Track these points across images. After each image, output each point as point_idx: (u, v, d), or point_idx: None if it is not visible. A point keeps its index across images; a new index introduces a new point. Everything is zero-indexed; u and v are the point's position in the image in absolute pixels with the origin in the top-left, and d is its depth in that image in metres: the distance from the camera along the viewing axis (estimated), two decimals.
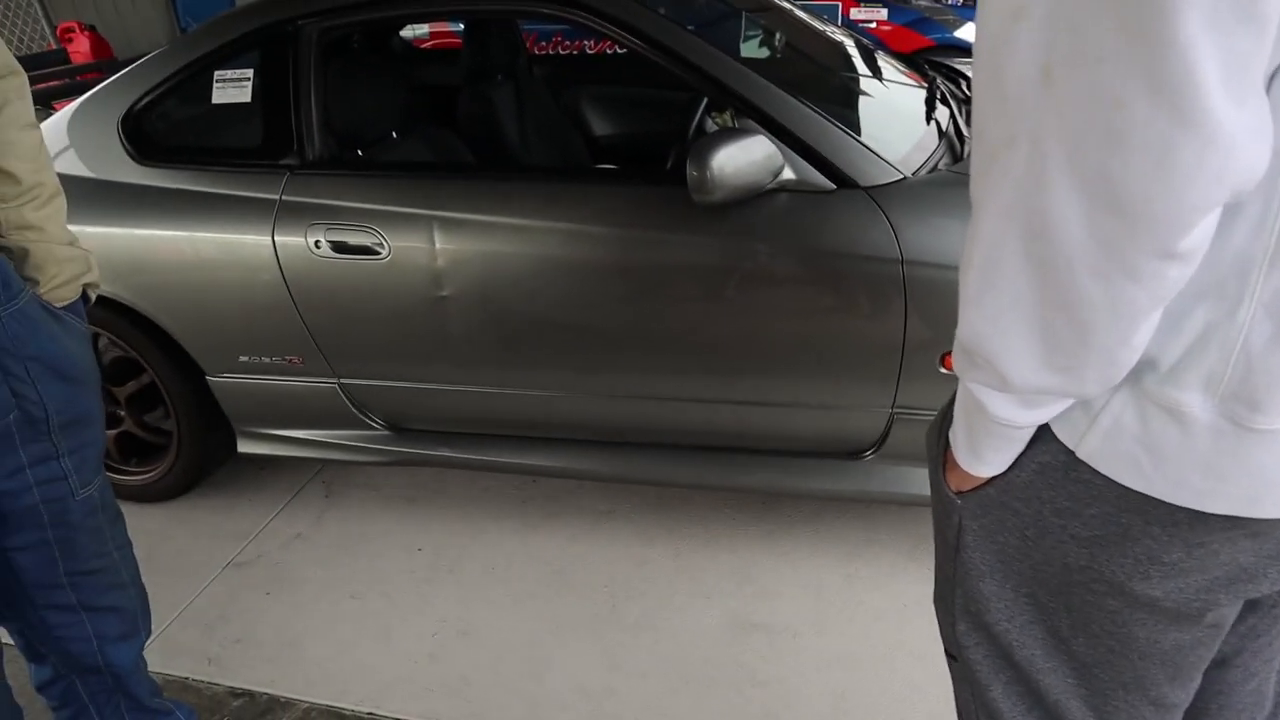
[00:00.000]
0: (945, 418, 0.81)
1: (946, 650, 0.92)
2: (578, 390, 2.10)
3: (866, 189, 1.81)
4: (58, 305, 1.23)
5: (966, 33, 4.98)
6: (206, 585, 2.26)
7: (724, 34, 2.88)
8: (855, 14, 5.11)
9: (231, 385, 2.30)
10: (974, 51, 0.58)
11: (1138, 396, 0.64)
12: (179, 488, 2.56)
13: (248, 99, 2.18)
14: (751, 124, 1.85)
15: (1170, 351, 0.62)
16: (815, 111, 1.87)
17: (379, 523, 2.46)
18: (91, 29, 6.74)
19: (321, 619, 2.14)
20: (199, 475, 2.56)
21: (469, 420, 2.25)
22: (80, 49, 6.52)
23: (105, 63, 6.37)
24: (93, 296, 1.33)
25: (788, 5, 2.90)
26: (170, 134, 2.32)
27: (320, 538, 2.42)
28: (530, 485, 2.57)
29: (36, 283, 1.21)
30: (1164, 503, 0.65)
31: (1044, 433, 0.71)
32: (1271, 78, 0.53)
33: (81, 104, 2.35)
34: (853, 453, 2.05)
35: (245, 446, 2.41)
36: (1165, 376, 0.63)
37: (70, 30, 6.62)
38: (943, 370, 1.85)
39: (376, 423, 2.30)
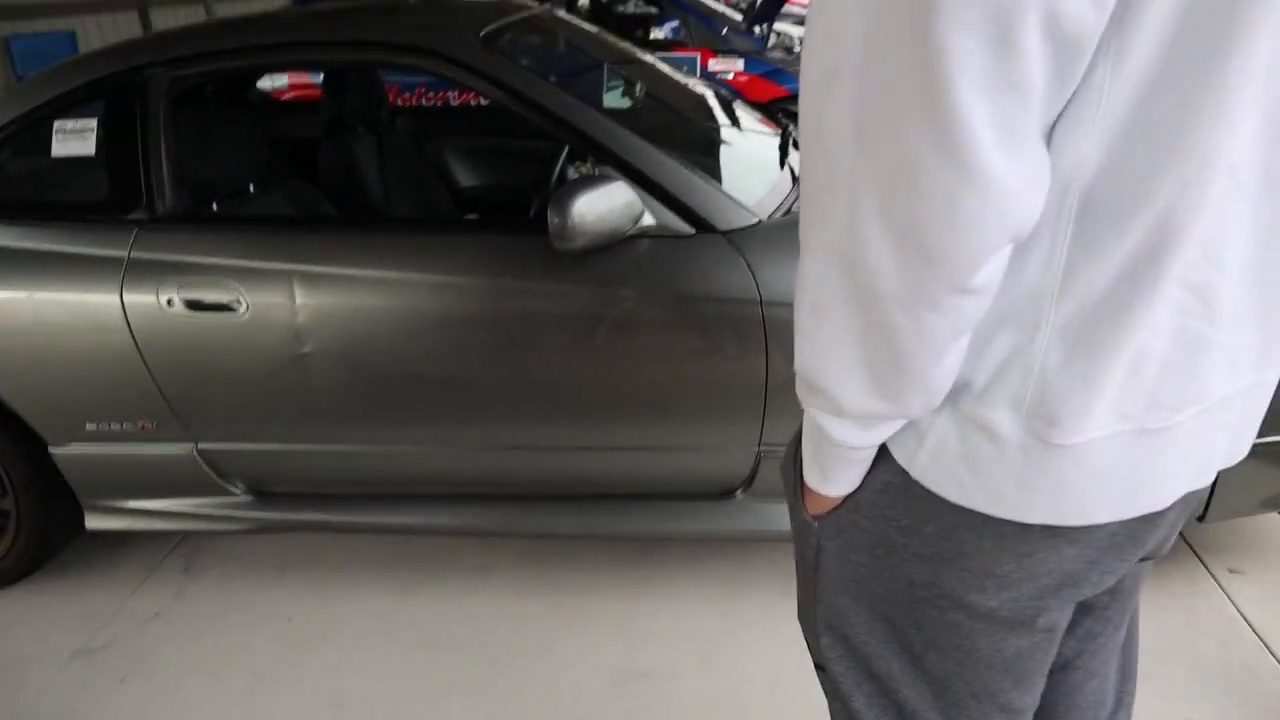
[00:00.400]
0: (796, 445, 0.85)
1: (815, 662, 0.95)
2: (448, 444, 2.07)
3: (724, 233, 1.87)
4: None
5: None
6: (52, 677, 2.09)
7: (587, 85, 2.95)
8: (714, 65, 5.30)
9: (77, 456, 2.16)
10: (799, 104, 0.64)
11: (957, 417, 0.70)
12: (19, 572, 2.36)
13: (91, 151, 2.09)
14: (611, 171, 1.89)
15: (980, 374, 0.68)
16: (673, 158, 1.93)
17: (245, 594, 2.34)
18: None
19: (183, 702, 2.00)
20: (42, 557, 2.38)
21: (336, 481, 2.18)
22: None
23: None
24: None
25: (649, 58, 2.99)
26: (5, 187, 2.19)
27: (180, 615, 2.28)
28: (404, 544, 2.49)
29: None
30: (990, 517, 0.70)
31: (884, 453, 0.76)
32: (1049, 131, 0.59)
33: None
34: (724, 492, 2.09)
35: (94, 522, 2.26)
36: (978, 397, 0.68)
37: None
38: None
39: (238, 488, 2.20)
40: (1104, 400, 0.65)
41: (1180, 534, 2.17)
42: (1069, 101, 0.58)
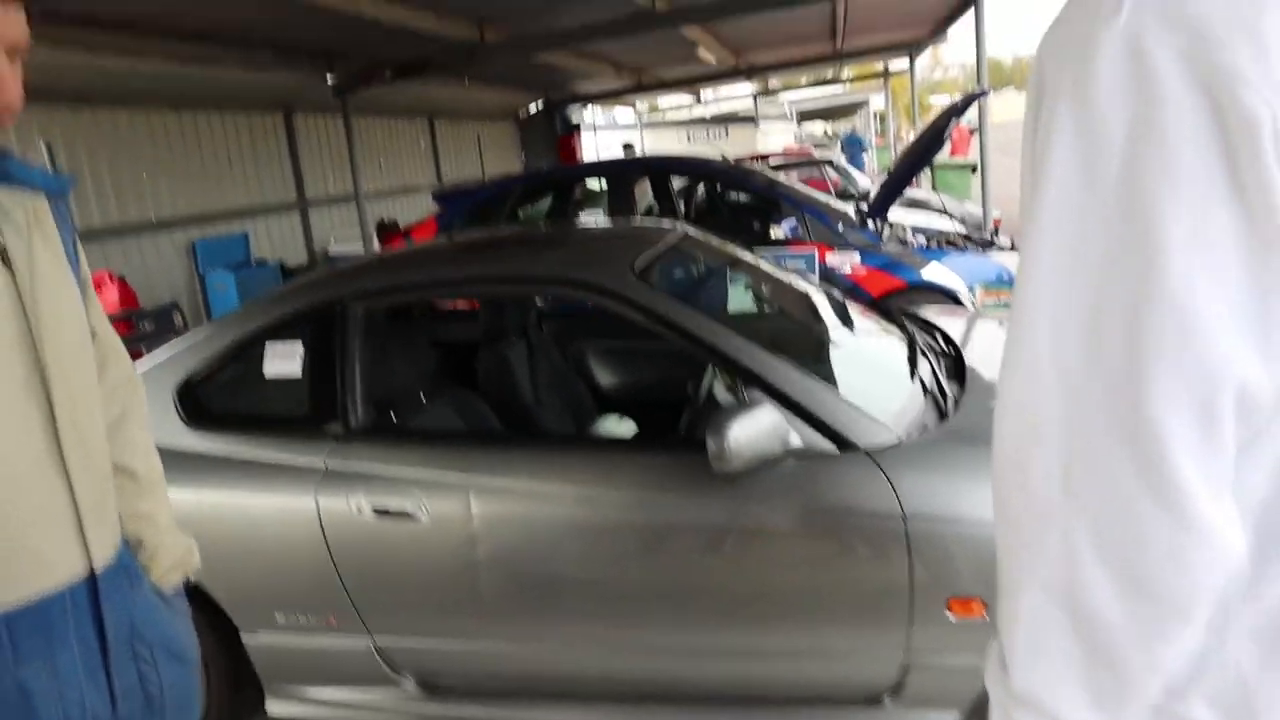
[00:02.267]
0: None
1: None
2: (604, 645, 2.18)
3: (867, 452, 2.00)
4: (168, 590, 1.35)
5: (931, 273, 5.40)
6: None
7: (713, 291, 3.18)
8: (831, 259, 5.55)
9: (266, 645, 2.36)
10: (994, 454, 0.71)
11: (1155, 711, 0.72)
12: None
13: (298, 371, 2.39)
14: (758, 395, 2.06)
15: (1178, 675, 0.71)
16: (814, 379, 2.10)
17: None
18: (121, 279, 7.14)
19: None
20: None
21: (499, 676, 2.31)
22: (109, 299, 6.88)
23: (133, 312, 6.71)
24: (192, 580, 1.45)
25: (768, 266, 3.22)
26: (223, 402, 2.51)
27: None
28: None
29: (148, 570, 1.34)
30: None
31: None
32: None
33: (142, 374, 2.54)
34: (870, 699, 2.11)
35: (274, 707, 2.43)
36: (1174, 693, 0.71)
37: (98, 281, 6.98)
38: (950, 617, 1.96)
39: (408, 681, 2.35)
40: None
41: None
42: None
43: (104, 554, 1.20)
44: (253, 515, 2.28)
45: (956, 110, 5.76)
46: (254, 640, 2.37)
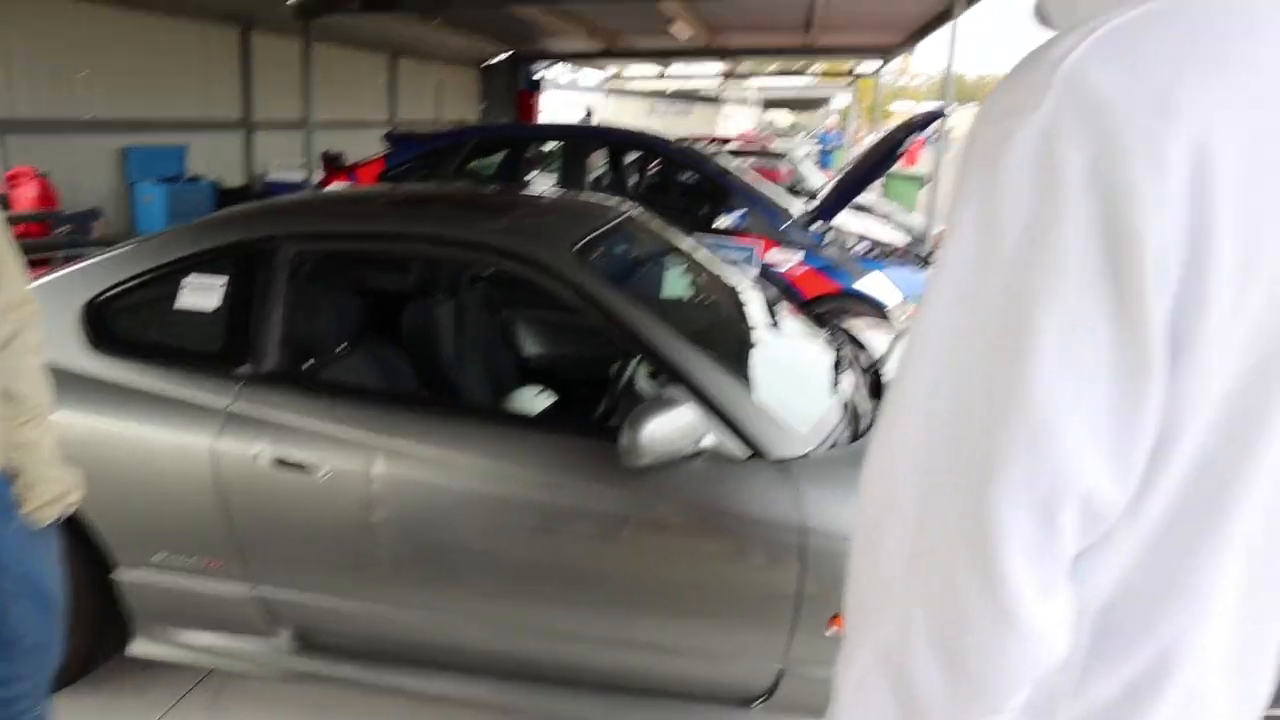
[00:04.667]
0: None
1: None
2: (488, 620, 2.17)
3: (778, 460, 2.01)
4: (40, 524, 1.29)
5: (868, 283, 5.46)
6: None
7: (650, 278, 3.16)
8: (773, 255, 5.58)
9: (140, 583, 2.29)
10: (857, 513, 0.73)
11: None
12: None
13: (213, 307, 2.30)
14: (679, 393, 2.05)
15: None
16: (738, 382, 2.10)
17: None
18: (44, 177, 6.80)
19: None
20: (75, 677, 2.43)
21: (377, 639, 2.28)
22: (27, 195, 6.55)
23: (51, 213, 6.41)
24: (66, 514, 1.38)
25: (707, 257, 3.20)
26: (131, 328, 2.40)
27: None
28: (423, 708, 2.55)
29: (23, 501, 1.27)
30: None
31: None
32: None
33: (44, 285, 2.41)
34: (744, 701, 2.15)
35: (139, 648, 2.36)
36: None
37: (19, 176, 6.67)
38: (830, 632, 2.00)
39: (284, 634, 2.30)
40: None
41: None
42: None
43: None
44: (146, 448, 2.20)
45: (916, 126, 5.82)
46: (127, 577, 2.29)
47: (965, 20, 8.10)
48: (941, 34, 8.49)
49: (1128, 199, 0.57)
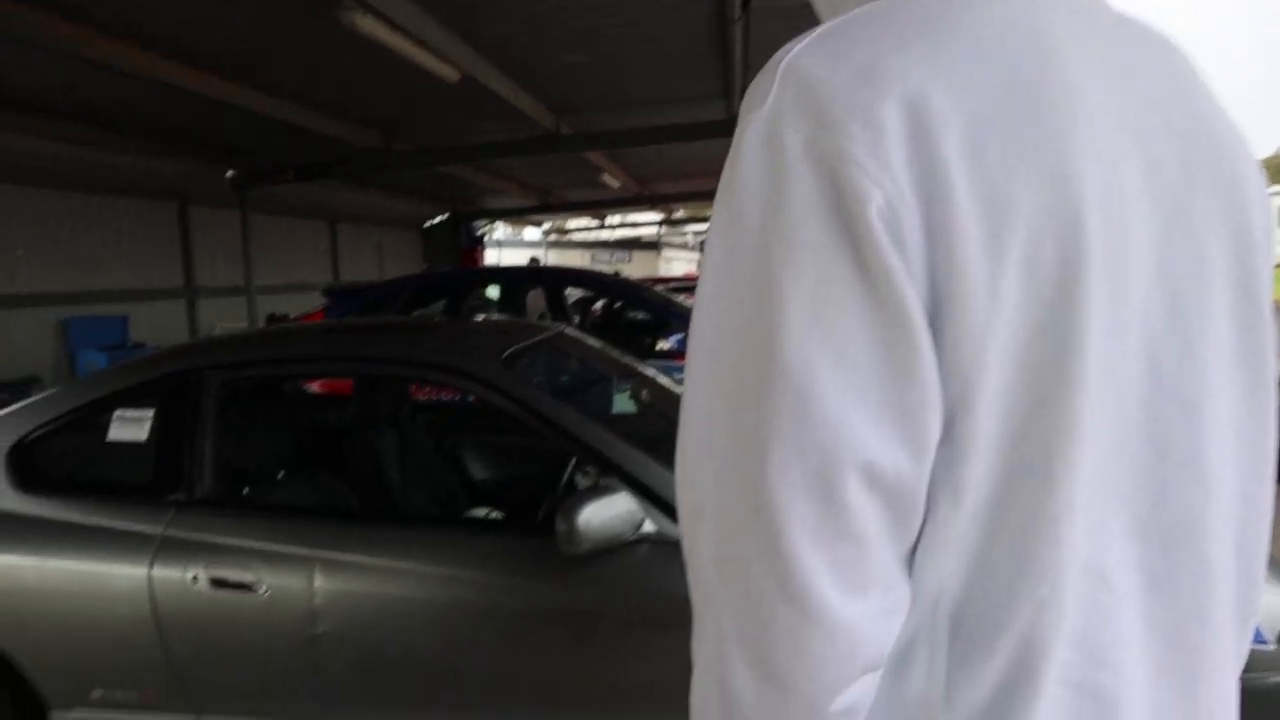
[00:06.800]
0: None
1: None
2: None
3: None
4: None
5: None
6: None
7: (596, 397, 3.23)
8: None
9: None
10: (680, 529, 0.69)
11: None
12: None
13: (144, 437, 2.30)
14: (615, 482, 2.08)
15: None
16: (671, 469, 2.13)
17: None
18: None
19: None
20: None
21: None
22: None
23: None
24: None
25: (641, 366, 3.29)
26: (60, 466, 2.39)
27: None
28: None
29: None
30: None
31: None
32: (911, 553, 0.63)
33: None
34: None
35: None
36: None
37: None
38: None
39: None
40: None
41: None
42: (924, 530, 0.62)
43: None
44: (79, 582, 2.15)
45: None
46: (65, 718, 2.19)
47: None
48: None
49: (843, 164, 0.58)
